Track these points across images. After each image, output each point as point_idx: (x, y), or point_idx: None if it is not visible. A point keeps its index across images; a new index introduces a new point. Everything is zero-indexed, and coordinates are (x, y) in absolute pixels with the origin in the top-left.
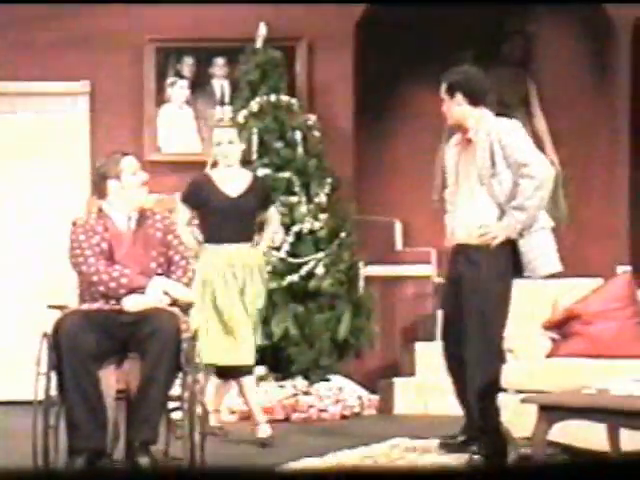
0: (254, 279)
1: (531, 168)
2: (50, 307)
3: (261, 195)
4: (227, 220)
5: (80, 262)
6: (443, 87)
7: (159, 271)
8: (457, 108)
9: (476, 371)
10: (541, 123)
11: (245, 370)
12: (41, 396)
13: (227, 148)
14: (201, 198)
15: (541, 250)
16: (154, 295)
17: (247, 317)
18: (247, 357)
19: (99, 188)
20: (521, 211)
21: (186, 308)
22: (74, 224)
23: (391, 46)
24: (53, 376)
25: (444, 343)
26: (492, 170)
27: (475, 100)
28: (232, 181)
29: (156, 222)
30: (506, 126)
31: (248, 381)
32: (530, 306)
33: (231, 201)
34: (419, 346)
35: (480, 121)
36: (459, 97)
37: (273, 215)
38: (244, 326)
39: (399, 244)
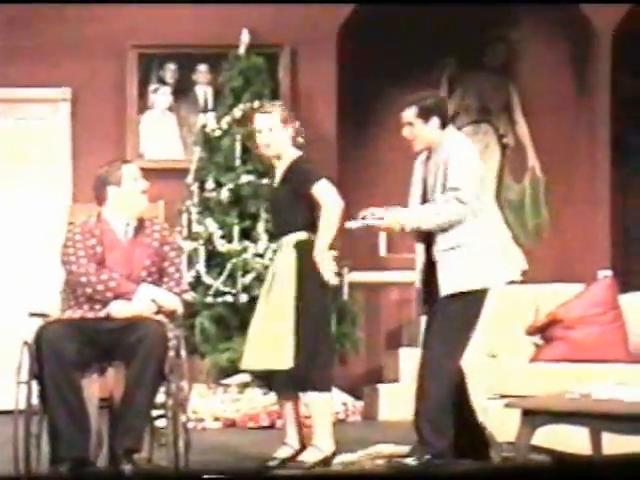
0: (280, 275)
1: (462, 193)
2: (32, 315)
3: (297, 180)
4: (272, 213)
5: (71, 261)
6: (414, 111)
7: (149, 280)
8: (431, 132)
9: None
10: (523, 129)
11: (291, 380)
12: (23, 405)
13: (268, 136)
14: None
15: (448, 270)
16: (141, 302)
17: (275, 315)
18: (279, 360)
19: (99, 194)
20: (430, 216)
21: (173, 316)
22: (71, 224)
23: (374, 52)
24: (35, 385)
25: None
26: (438, 188)
27: (445, 124)
28: (278, 170)
29: (154, 232)
30: (459, 146)
31: (309, 398)
32: (513, 311)
33: (273, 192)
34: (403, 352)
35: (445, 139)
36: (435, 121)
37: (319, 197)
38: (271, 325)
39: (383, 250)
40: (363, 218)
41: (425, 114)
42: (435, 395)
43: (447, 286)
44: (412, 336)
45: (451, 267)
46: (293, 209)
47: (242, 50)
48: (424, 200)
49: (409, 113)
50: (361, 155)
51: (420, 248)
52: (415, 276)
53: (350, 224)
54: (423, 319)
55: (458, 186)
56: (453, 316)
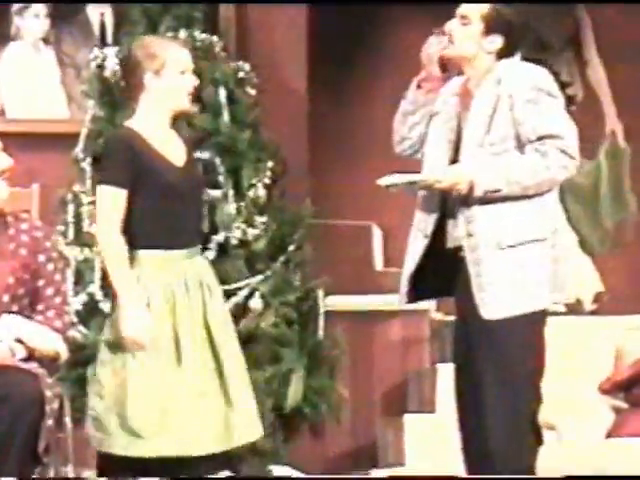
0: (217, 304)
1: (568, 142)
2: None
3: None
4: (177, 207)
5: None
6: (479, 8)
7: (13, 308)
8: (483, 52)
9: (497, 458)
10: (598, 74)
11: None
12: None
13: (191, 80)
14: (140, 170)
15: (500, 280)
16: (1, 344)
17: (228, 364)
18: (252, 429)
19: None
20: (533, 169)
21: (53, 365)
22: None
23: None
24: None
25: (458, 410)
26: (482, 138)
27: (508, 50)
28: (174, 141)
29: (20, 233)
30: (530, 75)
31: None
32: (579, 355)
33: (179, 174)
34: (409, 420)
35: (493, 65)
36: (496, 41)
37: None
38: (230, 377)
39: (379, 262)
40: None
41: (490, 23)
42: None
43: (499, 306)
44: (423, 394)
45: (504, 276)
46: (202, 205)
47: None
48: (454, 162)
49: (471, 6)
50: (346, 116)
51: (419, 246)
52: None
53: (386, 180)
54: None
55: (560, 133)
56: (507, 346)
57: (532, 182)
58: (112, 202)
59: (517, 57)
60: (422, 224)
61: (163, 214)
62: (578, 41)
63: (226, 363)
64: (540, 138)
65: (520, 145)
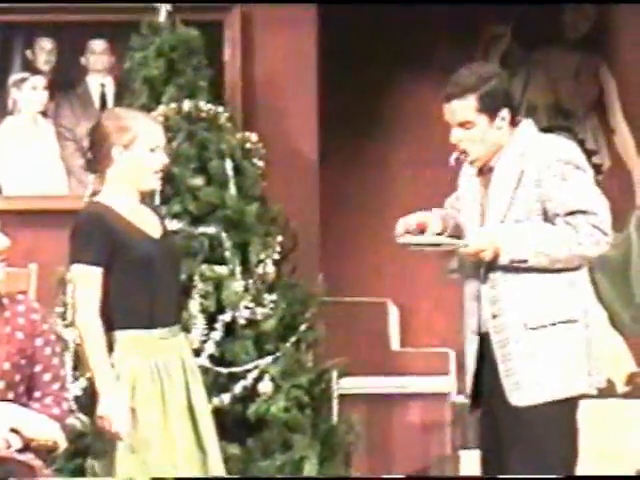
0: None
1: (601, 218)
2: None
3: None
4: (156, 283)
5: None
6: (472, 103)
7: (9, 395)
8: (500, 134)
9: None
10: (625, 140)
11: None
12: None
13: (161, 159)
14: (115, 245)
15: (530, 364)
16: None
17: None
18: None
19: None
20: (564, 241)
21: (50, 455)
22: None
23: (375, 17)
24: None
25: None
26: (505, 214)
27: (515, 118)
28: (146, 213)
29: (16, 316)
30: (556, 148)
31: None
32: (611, 440)
33: (156, 247)
34: None
35: (511, 137)
36: (504, 115)
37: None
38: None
39: (395, 341)
40: (422, 232)
41: (490, 105)
42: None
43: (528, 391)
44: None
45: (533, 359)
46: (180, 280)
47: (163, 16)
48: None
49: (463, 106)
50: (361, 186)
51: (472, 322)
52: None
53: (407, 239)
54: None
55: (592, 209)
56: (538, 434)
57: (561, 256)
58: (88, 282)
59: (534, 127)
60: (471, 320)
61: (141, 291)
62: (603, 107)
63: (210, 454)
64: (570, 213)
65: (547, 219)
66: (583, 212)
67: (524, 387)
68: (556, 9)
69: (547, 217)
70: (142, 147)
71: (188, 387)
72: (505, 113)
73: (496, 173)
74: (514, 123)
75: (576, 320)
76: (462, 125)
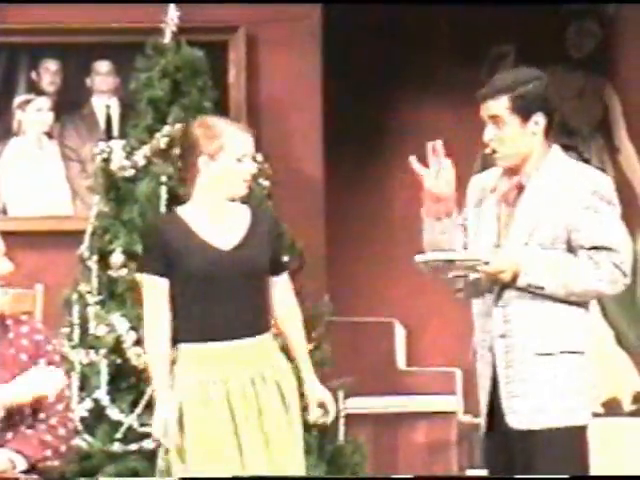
0: (274, 401)
1: (623, 257)
2: None
3: (271, 243)
4: (219, 295)
5: None
6: (505, 102)
7: (16, 418)
8: (530, 139)
9: None
10: (631, 160)
11: None
12: None
13: (249, 167)
14: (171, 258)
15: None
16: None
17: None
18: None
19: None
20: (583, 274)
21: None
22: None
23: (382, 37)
24: None
25: None
26: (529, 236)
27: (552, 127)
28: (227, 224)
29: (20, 337)
30: (592, 179)
31: None
32: (617, 459)
33: (223, 259)
34: None
35: (544, 159)
36: (539, 121)
37: (283, 288)
38: None
39: (402, 361)
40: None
41: (524, 107)
42: None
43: (528, 416)
44: None
45: (538, 384)
46: (257, 290)
47: (168, 37)
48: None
49: (497, 105)
50: (366, 206)
51: (485, 339)
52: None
53: (423, 257)
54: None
55: (616, 247)
56: (543, 458)
57: (578, 289)
58: (153, 291)
59: (562, 152)
60: (484, 337)
61: (199, 303)
62: (608, 126)
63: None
64: (595, 248)
65: (570, 249)
66: (607, 249)
67: (523, 411)
68: (560, 28)
69: (570, 247)
70: (229, 157)
71: (258, 400)
72: (540, 118)
73: (528, 192)
74: (549, 133)
75: (583, 352)
76: (494, 121)
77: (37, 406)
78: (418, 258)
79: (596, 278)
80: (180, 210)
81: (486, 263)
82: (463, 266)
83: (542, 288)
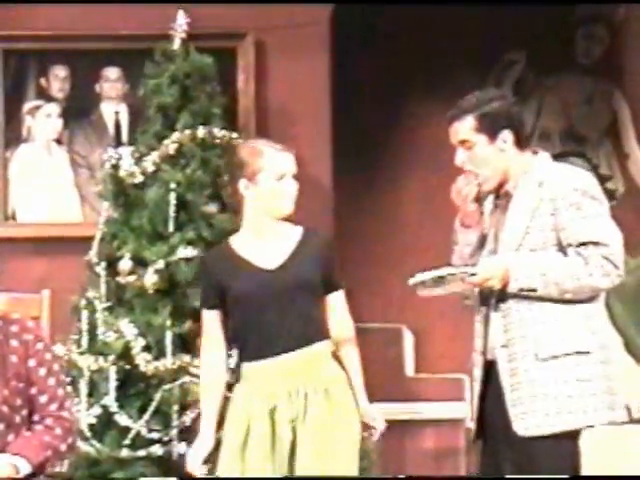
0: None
1: (612, 250)
2: None
3: (321, 262)
4: (267, 314)
5: None
6: (469, 123)
7: (16, 420)
8: (501, 155)
9: None
10: (639, 166)
11: None
12: None
13: (291, 185)
14: (222, 288)
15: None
16: (2, 460)
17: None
18: None
19: None
20: (574, 272)
21: None
22: None
23: (388, 44)
24: None
25: None
26: (520, 242)
27: (522, 141)
28: (273, 243)
29: (9, 338)
30: (573, 177)
31: None
32: (626, 468)
33: (268, 279)
34: None
35: (529, 166)
36: (506, 137)
37: (337, 307)
38: None
39: (410, 367)
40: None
41: (490, 126)
42: None
43: (536, 422)
44: None
45: (544, 390)
46: (305, 305)
47: (177, 43)
48: None
49: (463, 126)
50: (376, 209)
51: (478, 344)
52: (471, 403)
53: (417, 279)
54: None
55: (604, 240)
56: (541, 465)
57: (570, 286)
58: (205, 324)
59: (550, 158)
60: (478, 341)
61: (249, 323)
62: (617, 132)
63: None
64: (582, 244)
65: (561, 249)
66: (595, 243)
67: (531, 418)
68: (569, 35)
69: (561, 247)
70: (267, 178)
71: (306, 413)
72: (507, 135)
73: (514, 201)
74: (521, 146)
75: (588, 352)
76: (463, 145)
77: (32, 408)
78: (411, 281)
79: (586, 273)
80: (231, 239)
81: (473, 274)
82: (453, 280)
83: (534, 290)
